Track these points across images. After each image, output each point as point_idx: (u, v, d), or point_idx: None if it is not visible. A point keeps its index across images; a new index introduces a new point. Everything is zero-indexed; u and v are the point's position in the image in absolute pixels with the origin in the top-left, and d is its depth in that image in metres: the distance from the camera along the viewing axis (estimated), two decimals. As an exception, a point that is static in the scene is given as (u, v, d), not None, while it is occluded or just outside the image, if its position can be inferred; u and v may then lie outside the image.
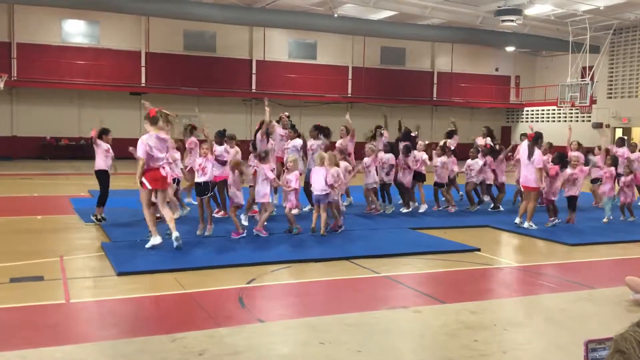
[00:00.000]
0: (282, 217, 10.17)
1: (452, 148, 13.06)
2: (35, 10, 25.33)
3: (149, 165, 8.09)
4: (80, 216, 10.87)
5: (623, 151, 13.69)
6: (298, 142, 11.58)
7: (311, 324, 5.40)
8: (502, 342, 5.04)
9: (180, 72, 27.96)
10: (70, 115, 27.05)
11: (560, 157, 11.00)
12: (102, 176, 10.31)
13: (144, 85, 28.00)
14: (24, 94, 26.33)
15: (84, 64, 26.76)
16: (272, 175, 9.42)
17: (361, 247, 8.73)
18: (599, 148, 14.44)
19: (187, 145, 11.52)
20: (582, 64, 27.23)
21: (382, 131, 12.91)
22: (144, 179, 8.06)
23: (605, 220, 11.46)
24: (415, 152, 12.18)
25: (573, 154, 12.08)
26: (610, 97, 30.21)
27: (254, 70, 30.06)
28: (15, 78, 25.66)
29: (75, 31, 27.32)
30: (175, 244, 8.02)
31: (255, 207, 10.82)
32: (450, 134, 13.70)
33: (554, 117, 33.09)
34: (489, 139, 13.97)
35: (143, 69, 28.07)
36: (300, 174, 10.52)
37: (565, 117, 32.21)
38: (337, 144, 12.05)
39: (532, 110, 34.63)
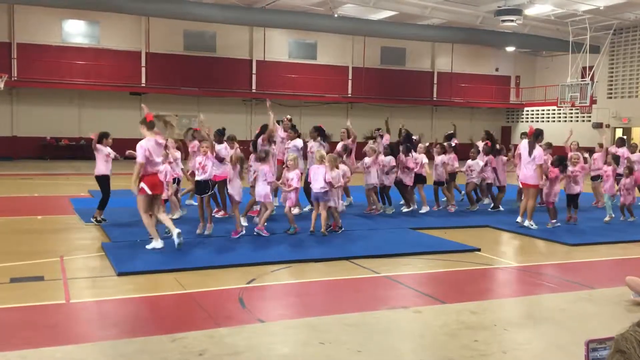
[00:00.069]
0: (282, 217, 10.17)
1: (453, 145, 13.08)
2: (36, 11, 25.33)
3: (148, 170, 8.10)
4: (80, 216, 10.88)
5: (623, 151, 13.71)
6: (298, 142, 11.60)
7: (311, 324, 5.40)
8: (502, 342, 5.04)
9: (180, 72, 27.97)
10: (71, 116, 27.06)
11: (560, 159, 11.00)
12: (103, 181, 10.31)
13: (144, 85, 28.01)
14: (24, 94, 26.34)
15: (84, 64, 26.77)
16: (271, 177, 9.43)
17: (361, 247, 8.73)
18: (600, 145, 14.48)
19: (190, 149, 11.50)
20: (582, 64, 27.23)
21: (382, 133, 12.92)
22: (143, 185, 8.06)
23: (607, 219, 11.45)
24: (415, 154, 12.17)
25: (573, 154, 12.11)
26: (611, 97, 30.22)
27: (254, 71, 30.07)
28: (16, 78, 25.67)
29: (76, 31, 27.32)
30: (176, 241, 7.99)
31: (256, 208, 10.83)
32: (449, 137, 13.71)
33: (554, 117, 33.09)
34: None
35: (143, 69, 28.08)
36: (301, 174, 10.51)
37: (566, 117, 32.21)
38: (339, 146, 12.06)
39: (532, 111, 34.63)
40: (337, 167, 9.92)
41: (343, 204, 11.82)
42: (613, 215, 11.56)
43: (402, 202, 12.41)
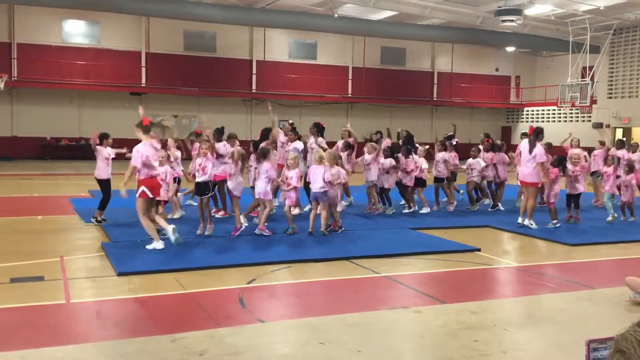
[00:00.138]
0: (282, 216, 10.18)
1: (454, 143, 13.09)
2: (36, 11, 25.34)
3: (147, 173, 8.12)
4: (80, 216, 10.88)
5: (623, 153, 13.73)
6: (299, 144, 11.57)
7: (311, 324, 5.40)
8: (502, 342, 5.04)
9: (180, 72, 27.97)
10: (71, 116, 27.07)
11: (560, 159, 11.00)
12: (104, 184, 10.32)
13: (144, 85, 28.02)
14: (24, 94, 26.34)
15: (84, 64, 26.76)
16: (273, 174, 9.44)
17: (361, 247, 8.73)
18: (601, 143, 14.51)
19: (192, 152, 11.50)
20: (582, 64, 27.23)
21: (379, 138, 12.92)
22: (144, 189, 8.07)
23: (609, 219, 11.42)
24: (416, 157, 12.16)
25: (574, 151, 12.13)
26: (611, 97, 30.21)
27: (254, 71, 30.07)
28: (16, 78, 25.67)
29: (76, 31, 27.32)
30: (172, 238, 8.00)
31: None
32: (449, 138, 13.70)
33: (554, 117, 33.09)
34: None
35: (143, 69, 28.08)
36: (301, 177, 10.51)
37: (566, 117, 32.21)
38: (340, 144, 12.07)
39: (532, 111, 34.63)
40: (337, 164, 9.94)
41: (343, 204, 11.83)
42: (615, 215, 11.54)
43: (402, 202, 12.40)
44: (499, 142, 13.52)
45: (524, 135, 12.65)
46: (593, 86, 27.57)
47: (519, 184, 11.26)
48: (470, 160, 12.79)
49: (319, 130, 11.76)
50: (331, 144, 12.24)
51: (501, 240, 10.14)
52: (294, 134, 11.78)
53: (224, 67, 29.11)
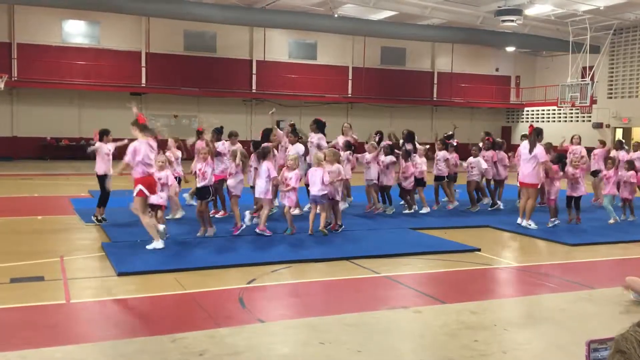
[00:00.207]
0: (282, 217, 10.17)
1: (455, 144, 13.10)
2: (36, 11, 25.33)
3: (144, 171, 8.13)
4: (80, 216, 10.88)
5: (622, 154, 13.76)
6: (300, 147, 11.50)
7: (311, 324, 5.40)
8: (502, 342, 5.04)
9: (180, 72, 27.96)
10: (71, 116, 27.06)
11: (559, 157, 11.02)
12: (103, 179, 10.32)
13: (144, 85, 28.01)
14: (24, 95, 26.33)
15: (84, 64, 26.76)
16: (274, 173, 9.43)
17: (361, 247, 8.73)
18: (601, 142, 14.53)
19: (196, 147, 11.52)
20: (583, 64, 27.22)
21: (380, 137, 12.94)
22: (141, 187, 8.09)
23: (611, 221, 11.38)
24: (417, 157, 12.16)
25: (575, 148, 12.14)
26: (611, 97, 30.21)
27: (254, 71, 30.06)
28: (16, 78, 25.67)
29: (76, 31, 27.32)
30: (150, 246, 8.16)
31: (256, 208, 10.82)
32: (448, 138, 13.69)
33: (554, 118, 33.09)
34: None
35: (143, 70, 28.08)
36: (300, 179, 10.50)
37: (566, 117, 32.21)
38: (340, 143, 12.09)
39: (533, 111, 34.62)
40: (338, 162, 9.94)
41: (345, 204, 11.85)
42: (618, 219, 11.49)
43: (403, 202, 12.40)
44: (499, 140, 13.52)
45: (524, 137, 12.64)
46: (593, 86, 27.56)
47: (519, 185, 11.26)
48: (470, 159, 12.77)
49: (318, 126, 11.74)
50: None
51: (501, 240, 10.14)
52: (295, 135, 11.75)
53: (224, 67, 29.11)
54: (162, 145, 10.60)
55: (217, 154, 10.29)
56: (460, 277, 7.51)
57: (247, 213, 9.87)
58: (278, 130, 11.56)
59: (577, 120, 31.24)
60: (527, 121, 33.86)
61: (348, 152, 11.54)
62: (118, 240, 8.74)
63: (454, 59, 34.00)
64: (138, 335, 4.97)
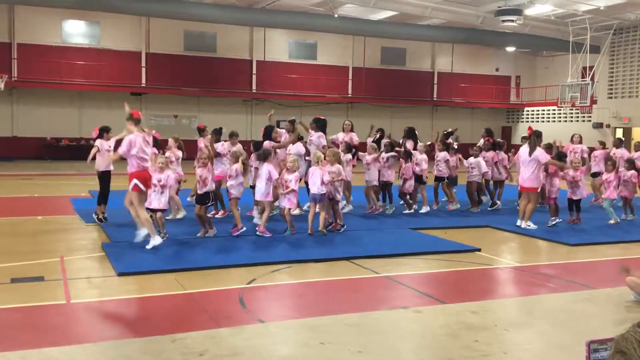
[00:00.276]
0: (282, 217, 10.16)
1: (456, 147, 13.11)
2: (36, 11, 25.34)
3: (139, 165, 8.15)
4: (80, 216, 10.88)
5: (622, 152, 13.77)
6: (301, 148, 11.47)
7: (311, 324, 5.40)
8: (503, 342, 5.04)
9: (180, 72, 27.96)
10: (71, 116, 27.06)
11: (559, 155, 11.01)
12: (105, 177, 10.33)
13: (144, 85, 28.01)
14: (25, 95, 26.34)
15: (84, 64, 26.76)
16: (275, 174, 9.42)
17: (362, 248, 8.73)
18: (601, 144, 14.51)
19: (198, 144, 11.53)
20: (583, 64, 27.22)
21: (381, 134, 12.96)
22: (136, 181, 8.11)
23: (611, 222, 11.37)
24: (417, 154, 12.17)
25: (576, 147, 12.13)
26: (611, 97, 30.21)
27: (254, 71, 30.06)
28: (16, 78, 25.67)
29: (76, 32, 27.32)
30: (138, 239, 8.23)
31: (254, 210, 10.81)
32: (447, 136, 13.70)
33: (554, 118, 33.08)
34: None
35: (143, 70, 28.08)
36: (300, 179, 10.50)
37: (566, 117, 32.21)
38: (341, 139, 12.11)
39: (533, 111, 34.62)
40: (339, 162, 9.95)
41: (350, 207, 11.85)
42: (618, 220, 11.48)
43: (402, 202, 12.40)
44: (500, 140, 13.51)
45: (524, 139, 12.63)
46: (593, 86, 27.56)
47: (520, 188, 11.25)
48: (471, 160, 12.77)
49: (318, 124, 11.72)
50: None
51: (501, 240, 10.14)
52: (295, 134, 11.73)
53: (224, 67, 29.11)
54: (162, 146, 10.62)
55: (216, 155, 10.29)
56: (461, 277, 7.51)
57: (256, 213, 9.92)
58: (279, 130, 11.54)
59: (577, 120, 31.24)
60: (527, 121, 33.87)
61: (349, 154, 11.49)
62: (118, 240, 8.74)
63: (454, 59, 34.01)
64: (138, 335, 4.97)
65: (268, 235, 9.23)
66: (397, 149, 12.07)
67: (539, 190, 10.67)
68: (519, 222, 10.64)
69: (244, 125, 28.72)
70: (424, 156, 12.29)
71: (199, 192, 9.14)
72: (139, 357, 4.50)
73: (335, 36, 29.73)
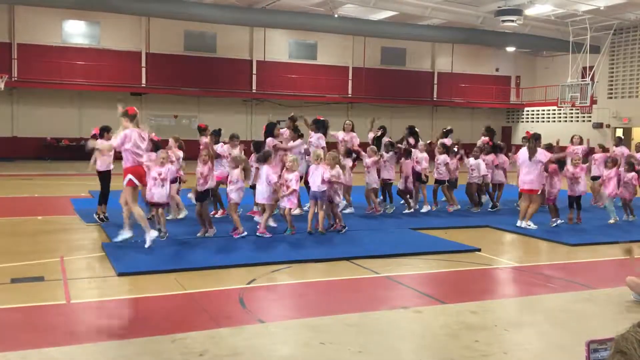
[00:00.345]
0: (282, 217, 10.16)
1: (458, 149, 13.12)
2: (36, 11, 25.34)
3: (134, 160, 8.17)
4: (80, 217, 10.88)
5: (622, 150, 13.77)
6: (300, 145, 11.45)
7: (312, 324, 5.40)
8: (503, 342, 5.04)
9: (180, 72, 27.96)
10: (71, 116, 27.07)
11: (558, 161, 10.99)
12: (105, 176, 10.33)
13: (144, 85, 28.02)
14: (25, 95, 26.34)
15: (84, 64, 26.76)
16: (274, 178, 9.41)
17: (362, 248, 8.73)
18: (601, 147, 14.49)
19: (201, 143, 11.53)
20: (583, 64, 27.23)
21: (383, 132, 12.96)
22: (131, 177, 8.13)
23: (611, 221, 11.38)
24: (417, 153, 12.18)
25: (576, 148, 12.13)
26: (611, 97, 30.21)
27: (254, 71, 30.07)
28: (16, 79, 25.67)
29: (76, 32, 27.32)
30: (121, 238, 8.34)
31: (255, 208, 10.82)
32: (446, 134, 13.70)
33: (554, 118, 33.09)
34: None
35: (143, 70, 28.08)
36: (301, 177, 10.50)
37: (566, 117, 32.21)
38: (341, 138, 12.11)
39: (533, 111, 34.62)
40: (339, 165, 9.95)
41: (350, 209, 11.85)
42: (617, 218, 11.49)
43: (403, 202, 12.41)
44: (500, 143, 13.49)
45: (525, 139, 12.62)
46: (593, 86, 27.57)
47: (519, 189, 11.25)
48: (471, 160, 12.76)
49: (318, 125, 11.71)
50: (331, 146, 12.18)
51: (501, 240, 10.14)
52: (296, 133, 11.72)
53: (224, 67, 29.11)
54: (162, 147, 10.60)
55: (216, 156, 10.27)
56: (461, 277, 7.51)
57: (258, 217, 9.98)
58: (281, 130, 11.55)
59: (577, 121, 31.24)
60: (528, 121, 33.89)
61: (348, 159, 11.46)
62: (118, 241, 8.73)
63: (454, 59, 34.01)
64: (138, 335, 4.96)
65: (268, 236, 9.23)
66: (399, 145, 12.09)
67: (539, 192, 10.66)
68: (519, 223, 10.63)
69: (244, 125, 28.72)
70: (425, 155, 12.29)
71: (199, 189, 9.15)
72: (139, 357, 4.50)
73: (335, 36, 29.73)
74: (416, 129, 13.09)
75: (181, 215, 10.70)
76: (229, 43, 29.40)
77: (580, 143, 13.67)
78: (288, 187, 9.49)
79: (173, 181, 9.80)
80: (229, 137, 11.10)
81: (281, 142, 11.13)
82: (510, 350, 4.82)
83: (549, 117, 33.47)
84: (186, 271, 7.15)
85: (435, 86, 34.01)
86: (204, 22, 25.92)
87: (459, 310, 5.80)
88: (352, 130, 12.42)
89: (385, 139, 12.50)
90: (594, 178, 13.80)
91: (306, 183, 10.78)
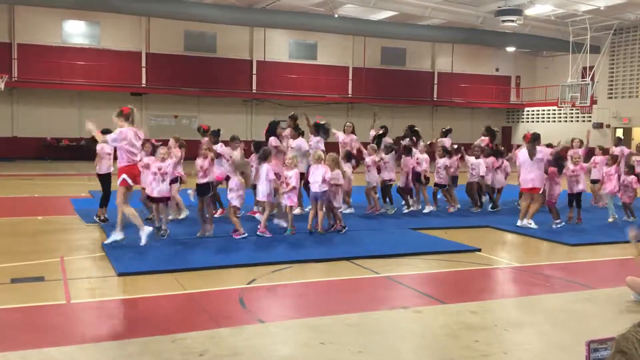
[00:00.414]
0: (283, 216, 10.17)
1: (457, 148, 13.11)
2: (36, 11, 25.35)
3: (127, 160, 8.17)
4: (80, 217, 10.89)
5: (621, 149, 13.77)
6: (303, 144, 11.44)
7: (312, 324, 5.40)
8: (503, 342, 5.04)
9: (180, 72, 27.97)
10: (71, 116, 27.05)
11: (557, 159, 10.98)
12: (106, 179, 10.34)
13: (144, 85, 28.02)
14: (25, 95, 26.34)
15: (84, 64, 26.76)
16: (272, 176, 9.43)
17: (362, 248, 8.73)
18: (600, 148, 14.48)
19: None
20: (583, 64, 27.23)
21: (385, 131, 12.96)
22: (125, 176, 8.14)
23: (610, 219, 11.40)
24: (418, 154, 12.17)
25: (576, 151, 12.13)
26: (611, 97, 30.21)
27: (254, 71, 30.07)
28: (16, 79, 25.67)
29: (76, 32, 27.33)
30: (111, 240, 8.26)
31: (255, 208, 10.81)
32: (446, 133, 13.70)
33: (554, 118, 33.09)
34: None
35: (143, 70, 28.08)
36: (302, 177, 10.49)
37: (566, 117, 32.21)
38: (341, 140, 12.10)
39: (533, 111, 34.62)
40: (338, 167, 9.95)
41: (350, 209, 11.85)
42: (616, 216, 11.51)
43: (403, 203, 12.41)
44: (501, 148, 13.46)
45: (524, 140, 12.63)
46: (593, 86, 27.57)
47: (520, 189, 11.25)
48: (472, 160, 12.75)
49: (317, 129, 11.70)
50: (333, 146, 12.16)
51: (501, 240, 10.14)
52: (297, 131, 11.70)
53: (224, 67, 29.11)
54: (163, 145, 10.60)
55: (216, 156, 10.25)
56: (461, 277, 7.51)
57: (258, 215, 9.97)
58: (283, 131, 11.55)
59: (578, 121, 31.24)
60: (528, 121, 33.88)
61: (348, 163, 11.43)
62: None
63: (454, 59, 34.02)
64: (138, 335, 4.96)
65: (268, 236, 9.23)
66: (401, 142, 12.09)
67: (540, 191, 10.65)
68: (519, 222, 10.63)
69: (244, 125, 28.73)
70: (425, 156, 12.28)
71: (198, 181, 9.16)
72: (139, 357, 4.50)
73: (335, 36, 29.74)
74: (416, 128, 13.08)
75: (182, 216, 10.70)
76: (229, 43, 29.40)
77: (580, 146, 13.64)
78: (287, 184, 9.51)
79: (174, 181, 9.81)
80: (229, 139, 11.06)
81: (282, 142, 11.13)
82: (510, 350, 4.82)
83: (549, 117, 33.47)
84: (186, 271, 7.15)
85: (435, 86, 34.02)
86: (204, 22, 25.92)
87: (459, 310, 5.80)
88: (353, 132, 12.40)
89: (385, 140, 12.49)
90: (594, 181, 13.74)
91: (306, 184, 10.78)
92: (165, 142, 10.85)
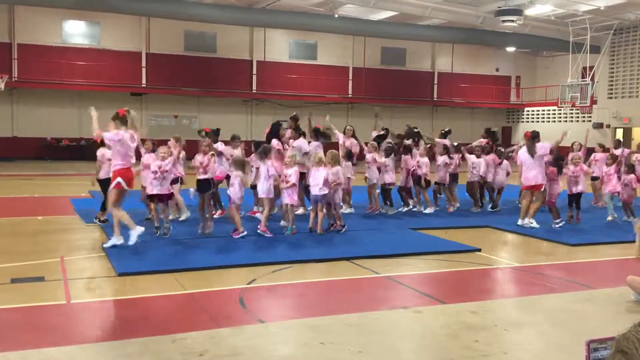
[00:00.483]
0: (282, 216, 10.17)
1: (457, 147, 13.11)
2: (36, 11, 25.35)
3: (122, 164, 8.17)
4: (80, 217, 10.89)
5: (621, 151, 13.77)
6: (304, 144, 11.43)
7: (312, 324, 5.40)
8: (503, 342, 5.04)
9: (180, 72, 27.97)
10: (71, 116, 27.06)
11: (556, 159, 10.99)
12: (106, 183, 10.32)
13: (144, 85, 28.02)
14: (25, 95, 26.35)
15: (84, 64, 26.77)
16: (273, 171, 9.44)
17: (362, 248, 8.73)
18: (600, 146, 14.49)
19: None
20: (583, 64, 27.24)
21: (386, 133, 12.96)
22: (120, 180, 8.14)
23: (609, 218, 11.42)
24: (418, 156, 12.16)
25: (574, 154, 12.10)
26: (611, 97, 30.22)
27: (254, 71, 30.07)
28: (16, 79, 25.68)
29: (76, 32, 27.33)
30: (110, 244, 8.19)
31: (255, 208, 10.80)
32: (445, 135, 13.69)
33: (554, 118, 33.09)
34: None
35: (143, 70, 28.09)
36: (302, 178, 10.49)
37: (566, 117, 32.21)
38: (342, 141, 12.09)
39: (533, 111, 34.62)
40: (338, 164, 9.96)
41: (350, 209, 11.85)
42: (615, 215, 11.54)
43: (403, 204, 12.40)
44: (502, 149, 13.47)
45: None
46: (593, 86, 27.58)
47: (521, 187, 11.25)
48: (473, 159, 12.75)
49: (316, 134, 11.69)
50: (335, 146, 12.15)
51: (501, 240, 10.14)
52: (297, 132, 11.69)
53: (224, 67, 29.12)
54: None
55: (217, 154, 10.27)
56: (461, 277, 7.51)
57: (259, 215, 9.94)
58: (285, 132, 11.55)
59: (578, 121, 31.24)
60: (528, 121, 33.88)
61: (349, 162, 11.43)
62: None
63: (454, 59, 34.02)
64: (138, 335, 4.96)
65: (269, 235, 9.23)
66: (404, 142, 12.09)
67: (542, 188, 10.66)
68: (520, 222, 10.63)
69: (244, 125, 28.72)
70: (425, 159, 12.25)
71: (198, 177, 9.16)
72: (139, 357, 4.50)
73: (335, 36, 29.74)
74: (417, 129, 13.07)
75: (182, 217, 10.69)
76: (229, 43, 29.40)
77: (580, 149, 13.65)
78: (287, 182, 9.52)
79: (174, 181, 9.81)
80: (230, 138, 11.07)
81: (284, 145, 11.14)
82: (510, 350, 4.82)
83: (549, 117, 33.47)
84: (186, 271, 7.15)
85: (435, 86, 34.02)
86: (204, 22, 25.93)
87: (459, 310, 5.80)
88: (353, 135, 12.39)
89: (386, 141, 12.49)
90: (594, 178, 13.79)
91: (306, 187, 10.77)
92: (165, 143, 10.87)
